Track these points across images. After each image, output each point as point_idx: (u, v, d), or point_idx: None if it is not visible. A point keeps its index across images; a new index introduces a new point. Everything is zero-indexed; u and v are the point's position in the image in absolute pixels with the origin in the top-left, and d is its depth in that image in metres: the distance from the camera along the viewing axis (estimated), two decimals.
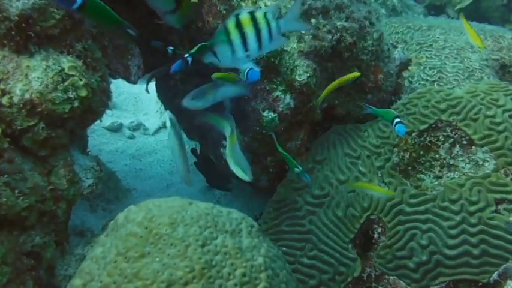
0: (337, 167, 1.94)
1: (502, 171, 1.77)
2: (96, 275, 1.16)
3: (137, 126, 3.20)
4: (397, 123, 1.67)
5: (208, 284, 1.11)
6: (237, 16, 1.40)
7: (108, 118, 3.04)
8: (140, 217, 1.21)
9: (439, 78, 2.22)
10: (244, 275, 1.16)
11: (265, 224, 1.93)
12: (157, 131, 3.20)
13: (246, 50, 1.42)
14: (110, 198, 2.45)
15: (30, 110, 1.46)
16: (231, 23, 1.39)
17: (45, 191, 1.52)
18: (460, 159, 1.83)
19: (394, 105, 2.06)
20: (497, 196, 1.72)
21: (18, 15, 1.43)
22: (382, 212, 1.80)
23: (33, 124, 1.47)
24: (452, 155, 1.84)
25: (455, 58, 2.28)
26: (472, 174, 1.78)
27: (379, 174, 1.88)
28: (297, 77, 1.83)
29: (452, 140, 1.86)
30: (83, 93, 1.51)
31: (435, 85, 2.19)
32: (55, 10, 1.48)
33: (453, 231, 1.69)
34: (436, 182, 1.82)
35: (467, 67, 2.24)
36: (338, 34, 1.89)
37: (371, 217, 1.82)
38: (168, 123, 1.71)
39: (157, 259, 1.14)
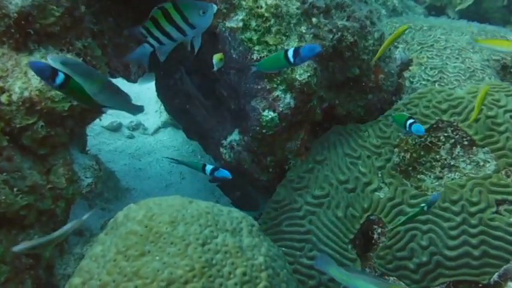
0: (337, 167, 1.94)
1: (503, 172, 1.76)
2: (95, 273, 1.15)
3: (136, 126, 3.19)
4: (411, 124, 1.66)
5: (208, 283, 1.11)
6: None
7: (108, 117, 3.03)
8: (140, 215, 1.21)
9: (440, 78, 2.22)
10: (244, 274, 1.16)
11: (264, 224, 1.92)
12: (156, 130, 3.20)
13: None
14: (109, 197, 2.44)
15: (30, 108, 1.45)
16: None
17: (44, 189, 1.52)
18: (461, 159, 1.83)
19: (395, 105, 2.06)
20: (498, 197, 1.72)
21: (17, 13, 1.42)
22: (382, 212, 1.79)
23: (33, 122, 1.47)
24: (453, 155, 1.84)
25: (457, 58, 2.28)
26: (473, 175, 1.78)
27: (380, 175, 1.88)
28: (297, 77, 1.83)
29: (453, 140, 1.86)
30: None
31: (436, 85, 2.18)
32: (55, 7, 1.48)
33: (453, 232, 1.68)
34: (437, 183, 1.82)
35: (469, 67, 2.23)
36: (339, 33, 1.89)
37: (371, 217, 1.81)
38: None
39: (158, 258, 1.13)
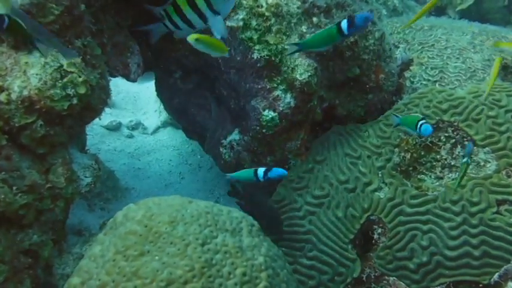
0: (337, 167, 1.93)
1: (504, 172, 1.76)
2: (94, 273, 1.14)
3: (136, 126, 3.19)
4: (421, 124, 1.65)
5: (208, 283, 1.10)
6: None
7: (107, 117, 3.03)
8: (140, 215, 1.20)
9: (440, 78, 2.21)
10: (244, 274, 1.15)
11: None
12: (156, 130, 3.19)
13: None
14: (108, 197, 2.44)
15: (29, 107, 1.44)
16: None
17: (43, 189, 1.51)
18: (462, 159, 1.82)
19: (396, 105, 2.06)
20: (499, 197, 1.71)
21: None
22: (382, 212, 1.79)
23: (32, 121, 1.46)
24: (454, 155, 1.84)
25: (457, 58, 2.28)
26: (474, 175, 1.77)
27: (380, 175, 1.87)
28: (297, 76, 1.82)
29: (453, 140, 1.86)
30: (82, 90, 1.50)
31: (437, 85, 2.18)
32: (54, 6, 1.47)
33: (454, 232, 1.68)
34: (437, 183, 1.81)
35: (469, 67, 2.23)
36: None
37: (371, 218, 1.81)
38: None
39: (157, 258, 1.13)
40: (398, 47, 2.40)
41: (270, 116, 1.85)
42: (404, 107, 2.00)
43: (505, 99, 1.92)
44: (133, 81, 2.02)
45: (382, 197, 1.82)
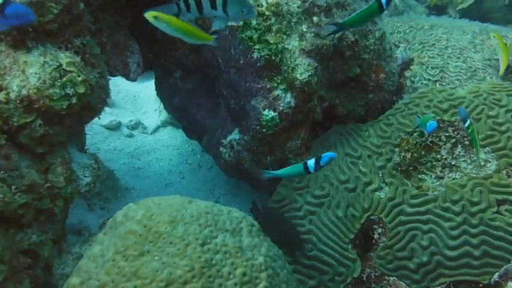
0: (337, 166, 1.93)
1: (504, 172, 1.76)
2: (94, 273, 1.14)
3: (136, 125, 3.18)
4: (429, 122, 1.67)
5: (208, 283, 1.10)
6: None
7: (107, 116, 3.02)
8: (139, 215, 1.20)
9: (441, 77, 2.21)
10: (244, 274, 1.15)
11: None
12: (156, 129, 3.19)
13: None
14: (108, 197, 2.43)
15: (28, 107, 1.44)
16: None
17: (42, 188, 1.51)
18: (462, 159, 1.82)
19: (396, 104, 2.05)
20: (499, 197, 1.71)
21: None
22: (382, 212, 1.78)
23: (31, 121, 1.45)
24: (454, 155, 1.83)
25: (458, 58, 2.27)
26: (474, 175, 1.77)
27: (380, 174, 1.87)
28: (298, 76, 1.82)
29: (454, 140, 1.85)
30: (81, 89, 1.49)
31: (437, 85, 2.18)
32: (53, 4, 1.46)
33: (454, 232, 1.68)
34: (438, 183, 1.81)
35: (470, 67, 2.23)
36: (340, 32, 1.87)
37: (371, 217, 1.80)
38: None
39: (157, 258, 1.12)
40: (399, 47, 2.39)
41: (270, 115, 1.84)
42: (405, 107, 2.00)
43: (505, 98, 1.91)
44: (133, 80, 2.02)
45: (382, 196, 1.81)
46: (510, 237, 1.64)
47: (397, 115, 1.98)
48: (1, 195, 1.37)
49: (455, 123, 1.87)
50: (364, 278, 1.74)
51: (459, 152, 1.83)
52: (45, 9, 1.45)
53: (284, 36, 1.82)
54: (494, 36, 2.17)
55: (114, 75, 1.94)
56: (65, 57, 1.49)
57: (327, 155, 1.60)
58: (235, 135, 2.02)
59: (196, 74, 2.19)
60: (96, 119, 1.72)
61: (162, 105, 2.84)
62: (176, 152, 2.97)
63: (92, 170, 1.79)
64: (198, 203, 1.26)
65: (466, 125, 1.61)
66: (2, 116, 1.42)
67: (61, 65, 1.47)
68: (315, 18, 1.85)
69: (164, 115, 3.14)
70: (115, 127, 3.10)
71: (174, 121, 2.99)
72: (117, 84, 3.01)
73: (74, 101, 1.49)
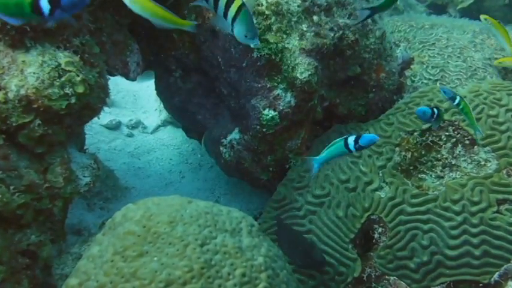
0: (338, 166, 1.92)
1: (504, 172, 1.75)
2: (92, 274, 1.14)
3: (136, 124, 3.18)
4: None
5: (207, 284, 1.09)
6: None
7: (107, 116, 3.02)
8: (138, 215, 1.19)
9: (441, 77, 2.21)
10: (244, 275, 1.14)
11: (265, 223, 1.91)
12: (156, 129, 3.18)
13: None
14: (108, 196, 2.43)
15: (26, 106, 1.43)
16: None
17: (41, 188, 1.50)
18: (462, 159, 1.82)
19: (396, 104, 2.05)
20: (499, 196, 1.71)
21: None
22: (383, 212, 1.78)
23: (29, 120, 1.45)
24: (454, 154, 1.83)
25: (458, 57, 2.27)
26: (474, 174, 1.77)
27: (381, 174, 1.87)
28: (298, 75, 1.82)
29: (454, 139, 1.85)
30: (80, 89, 1.49)
31: (438, 84, 2.17)
32: None
33: (454, 232, 1.67)
34: (438, 182, 1.81)
35: (470, 66, 2.22)
36: (340, 32, 1.87)
37: (372, 217, 1.80)
38: None
39: (156, 258, 1.12)
40: (399, 46, 2.39)
41: (270, 115, 1.84)
42: (405, 106, 1.99)
43: (505, 98, 1.91)
44: (133, 80, 2.01)
45: (382, 196, 1.81)
46: (510, 236, 1.64)
47: (398, 114, 1.98)
48: (0, 196, 1.37)
49: (456, 123, 1.86)
50: (365, 278, 1.74)
51: (459, 151, 1.83)
52: None
53: (284, 36, 1.81)
54: (485, 19, 2.15)
55: (113, 75, 1.93)
56: (63, 57, 1.48)
57: (366, 137, 1.49)
58: (235, 135, 2.02)
59: (196, 74, 2.19)
60: (95, 118, 1.72)
61: (162, 105, 2.83)
62: (176, 151, 2.97)
63: (92, 170, 1.78)
64: (197, 203, 1.26)
65: (456, 102, 1.60)
66: (1, 116, 1.42)
67: (60, 64, 1.46)
68: (315, 18, 1.84)
69: (164, 114, 3.14)
70: (115, 127, 3.09)
71: (174, 120, 2.99)
72: (117, 84, 3.01)
73: (73, 100, 1.48)
